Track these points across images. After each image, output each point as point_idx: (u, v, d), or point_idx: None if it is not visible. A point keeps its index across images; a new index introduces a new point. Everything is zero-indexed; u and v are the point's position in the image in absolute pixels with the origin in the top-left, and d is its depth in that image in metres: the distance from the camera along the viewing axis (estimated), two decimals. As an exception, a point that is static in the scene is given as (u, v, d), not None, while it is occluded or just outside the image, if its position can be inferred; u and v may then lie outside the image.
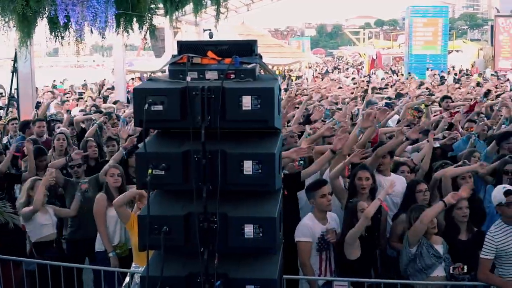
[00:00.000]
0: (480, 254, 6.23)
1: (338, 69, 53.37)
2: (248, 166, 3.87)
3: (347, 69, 52.15)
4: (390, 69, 48.69)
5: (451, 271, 6.38)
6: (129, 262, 7.01)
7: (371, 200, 7.17)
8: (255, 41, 4.36)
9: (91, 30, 12.93)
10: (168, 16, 14.96)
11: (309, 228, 6.62)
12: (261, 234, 3.87)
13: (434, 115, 12.64)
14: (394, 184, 6.83)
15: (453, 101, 14.51)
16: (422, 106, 12.95)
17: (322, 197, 6.68)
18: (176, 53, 4.25)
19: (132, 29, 14.56)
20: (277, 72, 36.54)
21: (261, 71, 4.37)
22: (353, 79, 35.27)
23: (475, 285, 6.45)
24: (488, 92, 17.67)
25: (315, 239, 6.63)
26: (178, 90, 3.91)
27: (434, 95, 17.52)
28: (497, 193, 6.24)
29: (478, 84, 26.44)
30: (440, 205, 6.45)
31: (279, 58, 40.44)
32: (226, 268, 3.97)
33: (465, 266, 6.35)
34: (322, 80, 33.00)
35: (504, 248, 6.13)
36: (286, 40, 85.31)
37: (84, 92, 26.75)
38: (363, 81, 28.06)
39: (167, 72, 4.19)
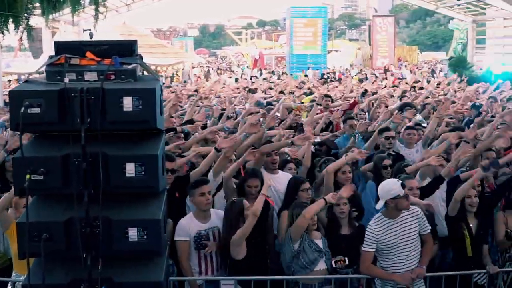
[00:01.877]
0: (362, 248, 6.36)
1: (222, 69, 53.52)
2: (130, 168, 3.82)
3: (230, 69, 52.36)
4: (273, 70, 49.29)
5: (334, 265, 6.51)
6: (11, 271, 6.74)
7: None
8: (135, 41, 4.31)
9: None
10: (44, 16, 14.51)
11: (185, 227, 6.58)
12: (145, 237, 3.83)
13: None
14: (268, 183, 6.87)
15: (333, 100, 14.87)
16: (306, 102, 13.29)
17: (201, 196, 6.65)
18: (54, 54, 4.13)
19: (8, 30, 14.03)
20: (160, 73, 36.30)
21: (143, 71, 4.32)
22: (236, 79, 35.46)
23: (358, 278, 6.60)
24: (365, 92, 18.21)
25: (192, 238, 6.60)
26: (55, 92, 3.81)
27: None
28: (393, 186, 6.25)
29: (361, 81, 27.30)
30: (321, 202, 6.59)
31: (162, 58, 40.08)
32: (110, 273, 3.90)
33: (346, 259, 6.49)
34: (207, 80, 33.00)
35: (385, 241, 6.27)
36: (169, 40, 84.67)
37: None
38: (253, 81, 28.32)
39: (44, 74, 4.06)
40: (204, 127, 11.00)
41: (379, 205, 6.31)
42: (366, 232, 6.35)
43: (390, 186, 6.27)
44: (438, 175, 7.61)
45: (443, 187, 7.73)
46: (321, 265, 6.52)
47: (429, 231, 6.48)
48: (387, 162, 8.14)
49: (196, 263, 6.67)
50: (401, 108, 12.50)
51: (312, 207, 6.57)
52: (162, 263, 4.09)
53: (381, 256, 6.42)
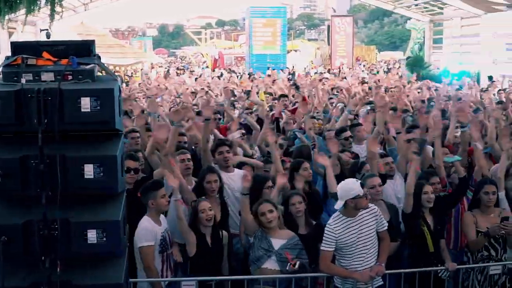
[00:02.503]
0: (321, 247, 6.36)
1: (181, 69, 53.30)
2: (89, 170, 3.79)
3: (189, 69, 52.17)
4: (229, 69, 49.19)
5: (287, 268, 6.41)
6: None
7: (219, 200, 7.25)
8: (92, 41, 4.28)
9: None
10: (1, 17, 14.28)
11: (151, 231, 6.53)
12: (104, 239, 3.80)
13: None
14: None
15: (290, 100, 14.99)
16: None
17: (162, 198, 6.63)
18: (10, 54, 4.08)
19: (-38, 31, 13.81)
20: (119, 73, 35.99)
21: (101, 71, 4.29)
22: (196, 79, 35.35)
23: (316, 276, 6.63)
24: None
25: (158, 241, 6.57)
26: (12, 93, 3.76)
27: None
28: (353, 186, 6.23)
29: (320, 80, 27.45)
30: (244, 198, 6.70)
31: (120, 58, 39.78)
32: (70, 275, 3.87)
33: (298, 263, 6.40)
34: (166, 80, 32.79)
35: (344, 240, 6.27)
36: (127, 40, 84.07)
37: None
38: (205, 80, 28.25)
39: (0, 75, 4.00)
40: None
41: (338, 205, 6.27)
42: (325, 231, 6.33)
43: (350, 186, 6.25)
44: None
45: (400, 184, 7.83)
46: (270, 265, 6.47)
47: (386, 228, 6.52)
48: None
49: (159, 266, 6.63)
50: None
51: (246, 206, 6.70)
52: (122, 265, 4.06)
53: (340, 255, 6.41)
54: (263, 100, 15.27)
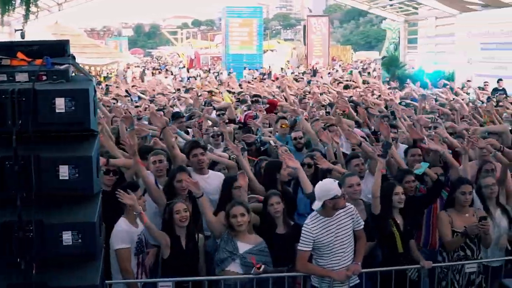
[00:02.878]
0: (298, 246, 6.35)
1: (157, 69, 53.12)
2: (64, 171, 3.75)
3: (165, 69, 51.98)
4: (209, 69, 49.21)
5: (252, 272, 6.40)
6: None
7: (188, 200, 7.23)
8: (67, 41, 4.25)
9: None
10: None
11: (127, 234, 6.51)
12: (80, 240, 3.77)
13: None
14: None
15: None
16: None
17: (138, 199, 6.61)
18: (-16, 54, 4.03)
19: None
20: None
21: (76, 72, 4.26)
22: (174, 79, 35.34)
23: (294, 276, 6.67)
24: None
25: (134, 244, 6.55)
26: (-15, 93, 3.71)
27: None
28: (331, 187, 6.22)
29: (296, 80, 27.54)
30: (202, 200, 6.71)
31: (96, 59, 39.57)
32: (45, 277, 3.82)
33: (263, 266, 6.39)
34: (142, 81, 32.70)
35: (322, 239, 6.26)
36: (102, 40, 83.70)
37: None
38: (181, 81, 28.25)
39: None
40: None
41: (317, 205, 6.25)
42: (303, 231, 6.31)
43: (328, 187, 6.24)
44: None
45: (370, 185, 7.86)
46: (234, 267, 6.48)
47: (362, 226, 6.54)
48: (307, 160, 8.25)
49: (135, 268, 6.61)
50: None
51: (205, 208, 6.73)
52: (98, 266, 4.03)
53: (317, 255, 6.40)
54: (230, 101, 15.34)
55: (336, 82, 23.50)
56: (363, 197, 7.65)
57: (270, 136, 10.53)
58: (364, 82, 22.97)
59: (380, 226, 7.05)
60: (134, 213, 6.52)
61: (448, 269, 6.98)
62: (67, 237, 3.76)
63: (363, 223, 6.58)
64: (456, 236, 6.94)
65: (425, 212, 7.90)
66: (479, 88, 21.42)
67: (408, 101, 15.56)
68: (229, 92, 19.50)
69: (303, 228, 6.34)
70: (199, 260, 6.79)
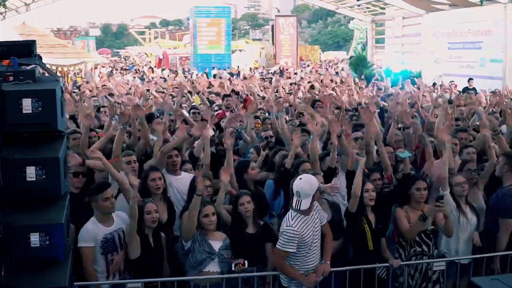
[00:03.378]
0: (281, 248, 6.27)
1: (125, 69, 52.78)
2: (31, 172, 3.72)
3: (134, 69, 51.67)
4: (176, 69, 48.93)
5: (233, 268, 6.42)
6: None
7: (163, 200, 7.21)
8: (34, 41, 4.21)
9: None
10: None
11: (91, 232, 6.46)
12: (48, 242, 3.74)
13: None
14: None
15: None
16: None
17: (105, 201, 6.57)
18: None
19: None
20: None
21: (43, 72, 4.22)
22: (142, 79, 35.15)
23: (263, 276, 6.68)
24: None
25: (98, 243, 6.51)
26: (-49, 94, 3.66)
27: None
28: (313, 180, 6.29)
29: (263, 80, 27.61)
30: (196, 199, 6.61)
31: (63, 59, 39.16)
32: (14, 280, 3.80)
33: (246, 262, 6.43)
34: (109, 81, 32.43)
35: (304, 239, 6.25)
36: (70, 40, 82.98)
37: None
38: (149, 81, 28.04)
39: None
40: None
41: (307, 203, 6.19)
42: (287, 232, 6.22)
43: (312, 180, 6.28)
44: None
45: (343, 182, 7.89)
46: (212, 267, 6.50)
47: (326, 221, 6.59)
48: (279, 160, 8.27)
49: (104, 267, 6.55)
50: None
51: (194, 207, 6.65)
52: (66, 268, 4.01)
53: (295, 256, 6.35)
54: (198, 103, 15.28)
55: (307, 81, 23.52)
56: (336, 195, 7.71)
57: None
58: (341, 81, 22.99)
59: (353, 223, 7.07)
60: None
61: (406, 265, 7.04)
62: (34, 239, 3.73)
63: (326, 215, 6.65)
64: (415, 221, 6.95)
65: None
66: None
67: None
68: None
69: (287, 229, 6.24)
70: (163, 260, 6.78)
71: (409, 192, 7.24)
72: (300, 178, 6.37)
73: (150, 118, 10.40)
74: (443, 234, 7.23)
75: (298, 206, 6.21)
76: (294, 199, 6.28)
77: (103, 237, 6.50)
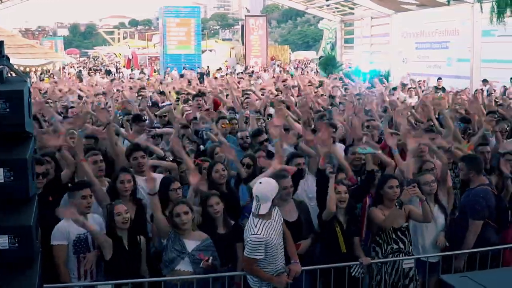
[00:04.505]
0: (249, 255, 6.24)
1: (95, 70, 52.46)
2: (-1, 174, 3.68)
3: (106, 70, 51.37)
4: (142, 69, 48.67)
5: (201, 265, 6.39)
6: None
7: (134, 202, 7.18)
8: (1, 42, 4.16)
9: None
10: None
11: (64, 231, 6.42)
12: (17, 244, 3.70)
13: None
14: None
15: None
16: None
17: (82, 198, 6.55)
18: None
19: None
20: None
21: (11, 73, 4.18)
22: (112, 80, 34.98)
23: (233, 276, 6.71)
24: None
25: (71, 242, 6.46)
26: None
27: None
28: (274, 183, 6.27)
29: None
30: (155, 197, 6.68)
31: (31, 59, 38.77)
32: (-19, 283, 3.75)
33: (211, 258, 6.39)
34: (80, 81, 32.17)
35: (270, 243, 6.24)
36: (38, 40, 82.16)
37: None
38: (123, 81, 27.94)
39: None
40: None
41: (266, 207, 6.18)
42: (252, 241, 6.19)
43: (272, 184, 6.27)
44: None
45: (311, 184, 7.92)
46: (183, 266, 6.46)
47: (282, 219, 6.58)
48: (246, 160, 8.30)
49: (75, 268, 6.51)
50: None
51: (156, 207, 6.70)
52: (36, 270, 3.97)
53: (266, 261, 6.32)
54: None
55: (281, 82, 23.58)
56: (303, 197, 7.71)
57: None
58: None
59: (325, 225, 7.05)
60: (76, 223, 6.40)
61: (382, 263, 7.11)
62: (3, 241, 3.69)
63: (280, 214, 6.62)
64: (394, 209, 7.01)
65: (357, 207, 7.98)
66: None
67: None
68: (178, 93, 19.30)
69: (252, 238, 6.19)
70: (141, 262, 6.73)
71: (382, 191, 7.29)
72: (260, 182, 6.33)
73: (137, 119, 10.45)
74: (422, 221, 7.29)
75: (257, 211, 6.20)
76: (254, 203, 6.27)
77: (76, 236, 6.45)
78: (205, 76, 33.90)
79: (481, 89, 17.77)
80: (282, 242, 6.42)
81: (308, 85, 19.68)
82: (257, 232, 6.18)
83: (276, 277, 6.35)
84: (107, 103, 14.78)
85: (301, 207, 7.31)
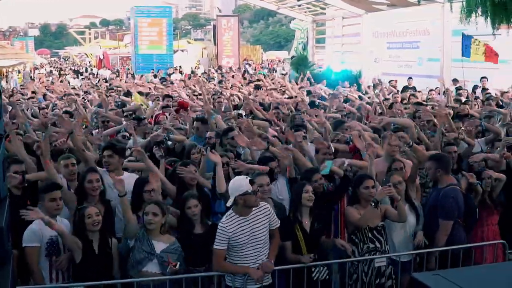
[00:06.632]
0: (214, 246, 6.38)
1: (65, 70, 52.02)
2: (-31, 175, 3.66)
3: (77, 70, 50.96)
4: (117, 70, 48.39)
5: (167, 270, 6.41)
6: None
7: (101, 202, 7.15)
8: (-29, 43, 4.14)
9: None
10: None
11: (37, 232, 6.38)
12: (-12, 246, 3.68)
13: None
14: None
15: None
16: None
17: (51, 201, 6.53)
18: None
19: None
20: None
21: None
22: (83, 79, 34.80)
23: (209, 275, 6.70)
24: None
25: (44, 244, 6.43)
26: None
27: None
28: (242, 183, 6.32)
29: (208, 80, 27.54)
30: (123, 199, 6.77)
31: (1, 60, 38.40)
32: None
33: (178, 263, 6.43)
34: (52, 83, 31.90)
35: (237, 239, 6.33)
36: (8, 41, 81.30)
37: None
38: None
39: None
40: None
41: (229, 202, 6.35)
42: (218, 230, 6.36)
43: (239, 183, 6.34)
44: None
45: (282, 186, 7.97)
46: (152, 268, 6.48)
47: (277, 226, 6.64)
48: (225, 159, 8.30)
49: (47, 270, 6.47)
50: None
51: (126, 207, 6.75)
52: (8, 272, 3.94)
53: (232, 255, 6.46)
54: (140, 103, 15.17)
55: (248, 82, 23.62)
56: (274, 198, 7.74)
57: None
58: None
59: (287, 230, 7.01)
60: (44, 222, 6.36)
61: (358, 262, 7.16)
62: (-26, 243, 3.67)
63: (278, 222, 6.68)
64: (369, 208, 7.11)
65: (334, 209, 8.02)
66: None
67: (317, 100, 15.76)
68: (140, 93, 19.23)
69: (218, 227, 6.40)
70: (113, 264, 6.70)
71: (357, 192, 7.36)
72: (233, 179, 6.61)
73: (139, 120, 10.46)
74: (397, 221, 7.40)
75: (227, 204, 6.52)
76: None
77: (49, 238, 6.43)
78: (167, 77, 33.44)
79: (449, 89, 17.90)
80: (257, 244, 6.46)
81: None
82: (223, 221, 6.41)
83: (251, 269, 6.41)
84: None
85: (279, 208, 7.37)
